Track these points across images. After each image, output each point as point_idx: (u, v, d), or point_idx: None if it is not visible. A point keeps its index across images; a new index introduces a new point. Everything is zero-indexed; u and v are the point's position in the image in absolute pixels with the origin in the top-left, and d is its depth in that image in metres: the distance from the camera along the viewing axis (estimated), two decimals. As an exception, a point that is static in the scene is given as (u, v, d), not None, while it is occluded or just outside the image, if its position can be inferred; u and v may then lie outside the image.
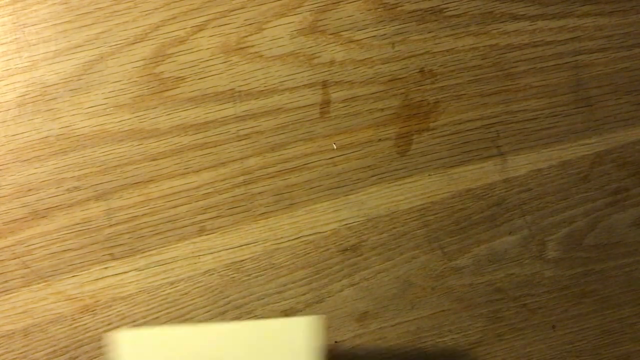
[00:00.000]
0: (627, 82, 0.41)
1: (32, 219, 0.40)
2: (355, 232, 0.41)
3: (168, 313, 0.41)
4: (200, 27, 0.39)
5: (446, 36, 0.40)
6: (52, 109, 0.40)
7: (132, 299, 0.41)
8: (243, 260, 0.41)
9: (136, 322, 0.41)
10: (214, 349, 0.34)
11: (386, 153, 0.41)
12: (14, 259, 0.40)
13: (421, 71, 0.40)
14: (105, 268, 0.40)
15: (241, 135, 0.40)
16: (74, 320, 0.41)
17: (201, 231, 0.40)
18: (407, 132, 0.41)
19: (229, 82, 0.40)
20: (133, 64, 0.40)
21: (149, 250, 0.41)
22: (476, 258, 0.41)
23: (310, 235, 0.41)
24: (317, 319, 0.33)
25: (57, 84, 0.40)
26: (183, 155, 0.40)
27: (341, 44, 0.40)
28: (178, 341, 0.34)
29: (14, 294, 0.40)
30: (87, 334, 0.41)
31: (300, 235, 0.41)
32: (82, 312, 0.41)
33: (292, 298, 0.41)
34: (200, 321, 0.41)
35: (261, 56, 0.40)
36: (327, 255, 0.41)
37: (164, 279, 0.41)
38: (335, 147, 0.41)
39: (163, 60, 0.40)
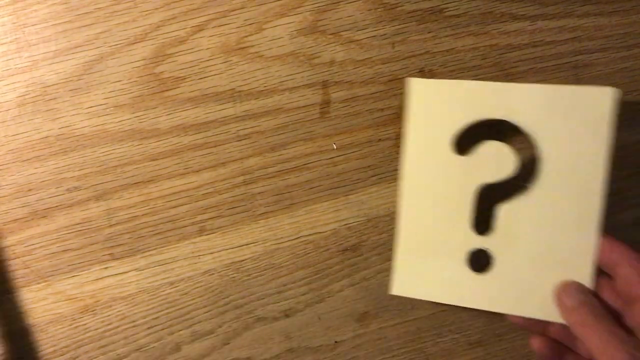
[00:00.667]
0: (627, 82, 0.41)
1: (32, 219, 0.40)
2: (355, 232, 0.41)
3: (168, 313, 0.41)
4: (200, 27, 0.39)
5: (446, 36, 0.40)
6: (52, 109, 0.40)
7: (132, 298, 0.41)
8: (243, 260, 0.41)
9: (136, 322, 0.41)
10: (503, 105, 0.35)
11: (386, 153, 0.41)
12: (14, 259, 0.40)
13: (421, 71, 0.40)
14: (105, 268, 0.40)
15: (241, 135, 0.40)
16: (74, 320, 0.41)
17: (201, 231, 0.40)
18: (407, 132, 0.41)
19: (229, 82, 0.40)
20: (133, 64, 0.40)
21: (149, 250, 0.41)
22: (476, 258, 0.41)
23: (310, 235, 0.41)
24: (616, 90, 0.34)
25: (57, 84, 0.40)
26: (183, 155, 0.40)
27: (341, 44, 0.40)
28: (467, 93, 0.36)
29: (14, 294, 0.40)
30: (87, 334, 0.41)
31: (300, 235, 0.41)
32: (82, 312, 0.41)
33: (292, 298, 0.41)
34: (200, 321, 0.41)
35: (261, 56, 0.40)
36: (327, 255, 0.41)
37: (164, 279, 0.41)
38: (335, 147, 0.41)
39: (163, 60, 0.40)
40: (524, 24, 0.40)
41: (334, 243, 0.41)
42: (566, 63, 0.41)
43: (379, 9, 0.40)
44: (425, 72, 0.40)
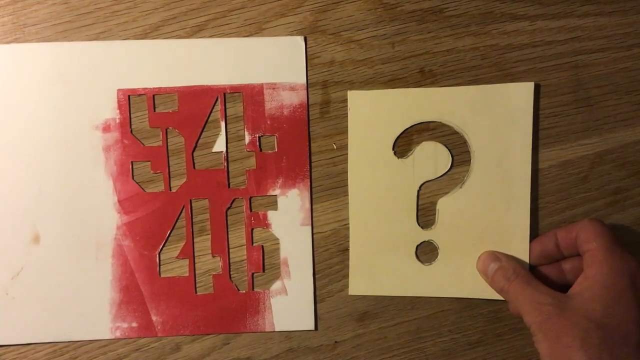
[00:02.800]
0: (627, 82, 0.41)
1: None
2: (355, 232, 0.41)
3: (168, 313, 0.41)
4: (200, 27, 0.39)
5: (446, 36, 0.40)
6: (52, 109, 0.40)
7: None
8: (243, 260, 0.41)
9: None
10: (435, 108, 0.40)
11: (386, 153, 0.41)
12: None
13: (421, 71, 0.40)
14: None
15: (242, 135, 0.40)
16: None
17: (200, 232, 0.40)
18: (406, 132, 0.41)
19: (229, 82, 0.40)
20: (133, 64, 0.40)
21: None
22: (476, 258, 0.41)
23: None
24: (532, 85, 0.39)
25: (57, 84, 0.40)
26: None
27: (341, 44, 0.40)
28: (402, 101, 0.40)
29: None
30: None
31: (300, 235, 0.41)
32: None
33: (292, 298, 0.41)
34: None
35: (261, 56, 0.40)
36: (327, 255, 0.41)
37: (164, 278, 0.41)
38: (335, 147, 0.41)
39: (163, 60, 0.40)
40: (524, 24, 0.40)
41: (334, 243, 0.41)
42: (566, 63, 0.41)
43: (379, 9, 0.40)
44: (425, 72, 0.40)
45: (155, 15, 0.39)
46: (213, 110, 0.40)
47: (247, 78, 0.40)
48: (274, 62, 0.39)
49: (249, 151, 0.40)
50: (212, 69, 0.39)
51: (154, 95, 0.39)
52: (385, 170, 0.40)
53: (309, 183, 0.40)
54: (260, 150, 0.40)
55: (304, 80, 0.40)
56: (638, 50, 0.41)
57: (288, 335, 0.41)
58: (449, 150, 0.40)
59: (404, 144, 0.40)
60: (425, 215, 0.41)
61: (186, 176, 0.40)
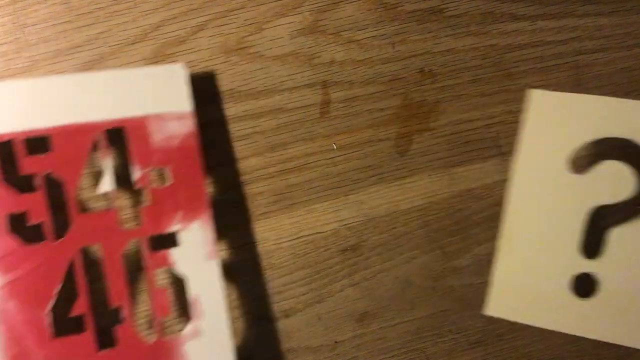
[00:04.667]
0: (627, 82, 0.41)
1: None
2: (355, 232, 0.41)
3: (168, 313, 0.41)
4: (200, 27, 0.39)
5: (446, 36, 0.40)
6: (52, 109, 0.40)
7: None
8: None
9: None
10: (629, 124, 0.34)
11: (386, 153, 0.41)
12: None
13: (421, 71, 0.40)
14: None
15: (241, 136, 0.40)
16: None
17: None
18: (407, 132, 0.41)
19: (229, 82, 0.40)
20: (133, 64, 0.40)
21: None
22: (476, 258, 0.41)
23: (310, 235, 0.41)
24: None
25: (57, 84, 0.40)
26: (183, 155, 0.40)
27: (341, 44, 0.40)
28: (591, 109, 0.35)
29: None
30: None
31: (300, 235, 0.41)
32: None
33: (292, 298, 0.41)
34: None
35: (261, 56, 0.40)
36: (327, 255, 0.41)
37: (164, 279, 0.41)
38: (335, 147, 0.41)
39: (163, 60, 0.40)
40: (524, 24, 0.40)
41: (334, 243, 0.41)
42: (566, 63, 0.41)
43: (379, 9, 0.40)
44: (425, 72, 0.40)
45: (155, 15, 0.39)
46: (95, 149, 0.36)
47: (128, 111, 0.36)
48: (155, 93, 0.37)
49: (140, 188, 0.37)
50: (87, 105, 0.36)
51: (24, 139, 0.35)
52: (555, 184, 0.35)
53: (210, 214, 0.37)
54: (153, 185, 0.37)
55: (189, 109, 0.37)
56: (638, 50, 0.41)
57: (288, 335, 0.41)
58: (636, 174, 0.35)
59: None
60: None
61: (72, 223, 0.36)
